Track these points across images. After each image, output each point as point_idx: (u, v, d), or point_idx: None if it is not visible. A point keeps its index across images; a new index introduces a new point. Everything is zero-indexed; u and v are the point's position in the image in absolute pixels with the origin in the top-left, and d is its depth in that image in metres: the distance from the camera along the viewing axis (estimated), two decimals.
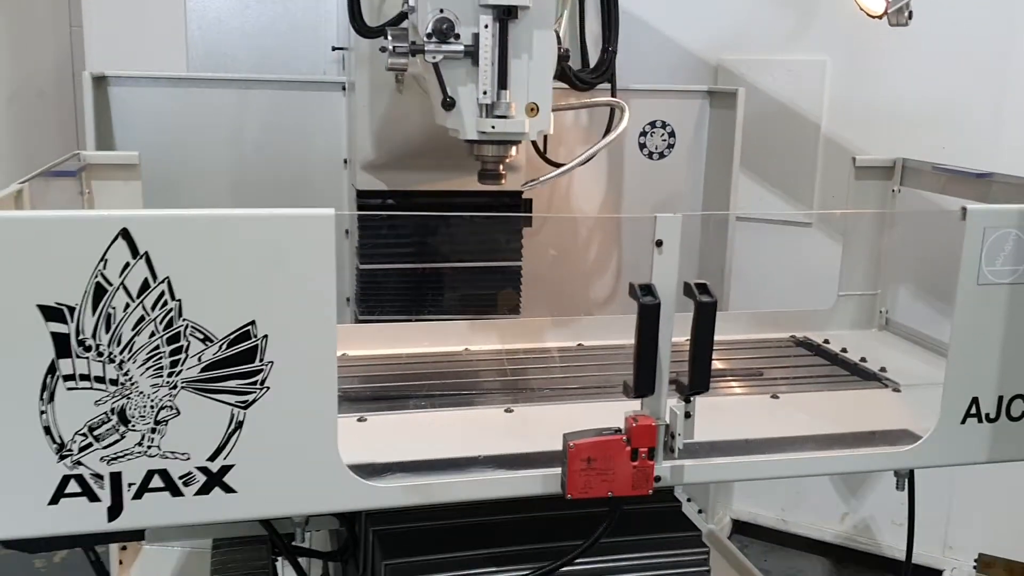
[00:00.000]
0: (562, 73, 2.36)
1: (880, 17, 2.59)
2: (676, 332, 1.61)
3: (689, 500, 3.51)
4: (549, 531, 1.88)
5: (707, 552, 2.01)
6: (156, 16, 3.16)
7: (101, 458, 1.43)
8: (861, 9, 2.62)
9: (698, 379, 1.59)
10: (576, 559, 1.74)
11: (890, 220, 2.60)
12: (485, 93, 2.00)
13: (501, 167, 2.19)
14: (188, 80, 2.93)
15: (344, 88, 2.97)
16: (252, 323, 1.43)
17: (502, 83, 2.00)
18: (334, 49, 3.08)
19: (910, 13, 2.54)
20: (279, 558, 2.16)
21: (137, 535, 1.96)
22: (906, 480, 1.95)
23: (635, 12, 3.42)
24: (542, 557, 1.77)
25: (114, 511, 1.46)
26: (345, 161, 3.00)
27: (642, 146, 3.31)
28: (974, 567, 3.62)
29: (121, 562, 3.05)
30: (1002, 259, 1.68)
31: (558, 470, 1.63)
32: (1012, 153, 3.22)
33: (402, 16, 2.19)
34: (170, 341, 1.41)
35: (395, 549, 1.93)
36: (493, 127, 2.02)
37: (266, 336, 1.43)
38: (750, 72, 3.61)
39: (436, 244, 2.74)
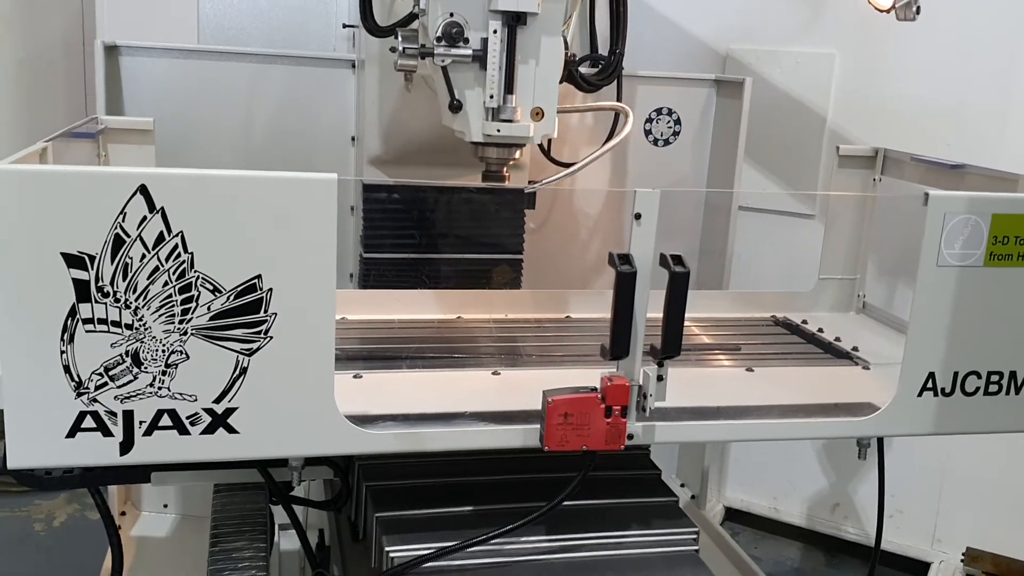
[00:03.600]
0: (569, 75, 2.37)
1: (888, 11, 2.60)
2: (654, 308, 1.70)
3: (683, 485, 3.58)
4: (534, 492, 1.95)
5: (696, 531, 2.07)
6: None
7: (115, 396, 1.54)
8: (869, 3, 2.63)
9: (670, 344, 1.69)
10: (553, 509, 1.84)
11: (870, 207, 2.68)
12: (492, 97, 2.05)
13: (505, 169, 2.24)
14: (199, 52, 2.96)
15: (354, 66, 3.02)
16: (258, 277, 1.53)
17: (509, 87, 2.04)
18: (345, 27, 3.10)
19: (918, 8, 2.55)
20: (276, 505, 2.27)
21: (144, 477, 2.09)
22: (866, 450, 2.05)
23: None
24: (527, 515, 1.84)
25: (125, 446, 1.57)
26: (352, 138, 3.05)
27: (647, 132, 3.32)
28: (962, 561, 3.67)
29: (120, 527, 3.15)
30: (960, 243, 1.77)
31: (538, 426, 1.75)
32: (1017, 148, 3.24)
33: (412, 16, 2.22)
34: (182, 290, 1.52)
35: (387, 503, 2.02)
36: (499, 131, 2.07)
37: (271, 289, 1.54)
38: (758, 63, 3.63)
39: (439, 235, 2.79)
